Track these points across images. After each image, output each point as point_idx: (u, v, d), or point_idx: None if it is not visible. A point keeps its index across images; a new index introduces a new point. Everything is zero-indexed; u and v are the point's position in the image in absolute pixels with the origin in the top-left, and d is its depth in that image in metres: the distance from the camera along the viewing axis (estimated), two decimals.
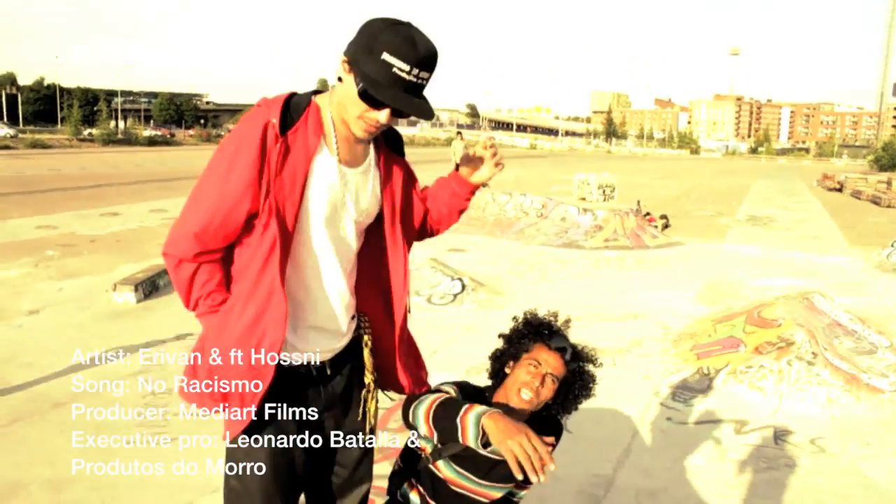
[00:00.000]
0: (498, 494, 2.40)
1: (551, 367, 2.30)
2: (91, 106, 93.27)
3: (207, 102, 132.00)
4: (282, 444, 2.11)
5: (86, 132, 67.89)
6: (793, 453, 4.71)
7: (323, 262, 2.07)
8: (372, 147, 2.15)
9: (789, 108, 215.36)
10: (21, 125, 78.19)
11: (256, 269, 1.98)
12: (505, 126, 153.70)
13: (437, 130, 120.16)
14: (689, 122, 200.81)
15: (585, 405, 5.47)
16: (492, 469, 2.34)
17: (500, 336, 2.51)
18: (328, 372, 2.16)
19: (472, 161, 2.31)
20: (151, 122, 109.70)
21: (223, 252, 2.04)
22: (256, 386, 2.00)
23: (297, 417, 2.11)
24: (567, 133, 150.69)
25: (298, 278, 2.05)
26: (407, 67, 1.86)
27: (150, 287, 8.33)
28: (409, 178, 2.30)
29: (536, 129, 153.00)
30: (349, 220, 2.08)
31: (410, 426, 2.21)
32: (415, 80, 1.88)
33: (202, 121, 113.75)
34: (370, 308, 2.25)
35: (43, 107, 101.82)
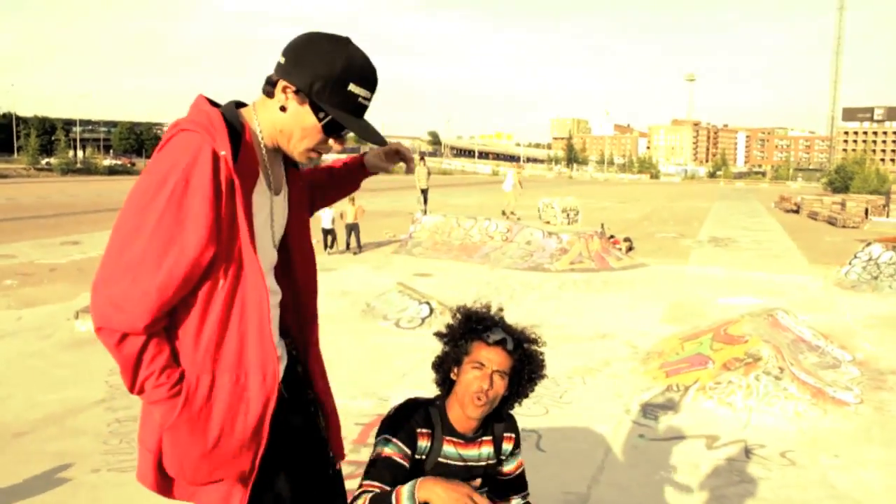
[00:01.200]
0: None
1: (496, 364, 2.22)
2: (49, 135, 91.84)
3: None
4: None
5: (44, 161, 67.03)
6: (764, 466, 4.75)
7: (269, 291, 1.89)
8: (284, 169, 2.06)
9: (745, 133, 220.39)
10: None
11: (236, 329, 1.80)
12: (467, 153, 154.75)
13: None
14: (648, 148, 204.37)
15: (558, 424, 5.48)
16: (470, 478, 2.32)
17: (436, 335, 2.42)
18: (285, 395, 1.98)
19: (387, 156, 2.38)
20: (111, 151, 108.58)
21: (166, 321, 1.76)
22: (252, 453, 1.86)
23: (278, 451, 1.96)
24: (528, 159, 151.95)
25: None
26: (368, 94, 1.85)
27: None
28: (304, 187, 2.20)
29: (498, 156, 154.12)
30: (272, 246, 2.00)
31: None
32: (368, 103, 1.88)
33: None
34: (293, 324, 2.14)
35: None
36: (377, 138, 1.91)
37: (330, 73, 1.78)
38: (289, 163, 2.06)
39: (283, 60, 1.82)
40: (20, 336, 7.69)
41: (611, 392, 6.19)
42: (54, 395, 5.82)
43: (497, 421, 2.38)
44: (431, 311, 8.77)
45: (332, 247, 15.19)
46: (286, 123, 1.84)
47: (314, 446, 2.12)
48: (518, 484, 2.45)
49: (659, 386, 6.21)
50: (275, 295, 1.99)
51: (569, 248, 13.91)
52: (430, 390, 2.49)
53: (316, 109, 1.81)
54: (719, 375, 6.03)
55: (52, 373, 6.41)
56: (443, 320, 8.48)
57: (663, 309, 9.76)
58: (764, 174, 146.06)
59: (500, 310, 2.38)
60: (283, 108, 1.82)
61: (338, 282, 11.25)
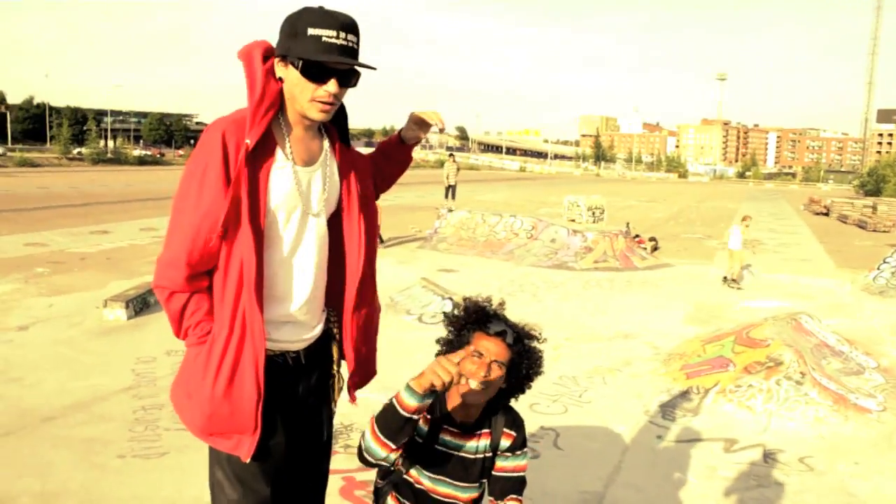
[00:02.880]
0: (475, 494, 2.44)
1: (494, 354, 2.29)
2: (80, 125, 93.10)
3: (197, 123, 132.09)
4: (276, 447, 2.21)
5: (75, 151, 67.85)
6: (781, 472, 4.74)
7: (294, 261, 2.17)
8: (326, 141, 2.27)
9: (776, 134, 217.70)
10: (10, 143, 78.03)
11: (232, 290, 2.06)
12: (494, 149, 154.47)
13: (427, 153, 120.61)
14: (676, 146, 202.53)
15: (576, 423, 5.52)
16: (465, 471, 2.38)
17: (438, 343, 2.51)
18: (303, 361, 2.26)
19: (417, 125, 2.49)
20: (141, 141, 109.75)
21: (209, 280, 2.12)
22: (254, 404, 2.09)
23: (281, 414, 2.20)
24: (556, 156, 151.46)
25: (273, 278, 2.14)
26: (333, 33, 2.00)
27: (140, 304, 8.31)
28: (365, 168, 2.43)
29: (526, 152, 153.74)
30: (311, 217, 2.19)
31: (369, 462, 2.22)
32: (345, 43, 2.02)
33: (192, 141, 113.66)
34: (336, 301, 2.35)
35: (32, 125, 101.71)
36: (351, 62, 2.04)
37: (292, 30, 2.02)
38: (335, 138, 2.30)
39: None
40: (51, 323, 7.85)
41: (630, 392, 6.20)
42: (83, 381, 5.95)
43: (499, 415, 2.43)
44: (455, 306, 8.80)
45: None
46: (288, 90, 2.09)
47: (314, 413, 2.36)
48: (511, 485, 2.44)
49: (679, 387, 6.21)
50: (300, 254, 2.18)
51: (593, 246, 13.89)
52: None
53: (292, 63, 2.03)
54: (740, 379, 6.02)
55: (80, 360, 6.55)
56: None
57: (686, 310, 9.73)
58: (794, 175, 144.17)
59: (502, 304, 2.46)
60: (281, 80, 2.08)
61: None
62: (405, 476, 2.40)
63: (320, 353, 2.34)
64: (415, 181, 48.93)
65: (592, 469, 4.64)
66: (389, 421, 2.13)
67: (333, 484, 4.12)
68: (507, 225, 15.53)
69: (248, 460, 2.12)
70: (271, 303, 2.14)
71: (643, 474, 4.64)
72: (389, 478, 2.46)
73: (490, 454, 2.41)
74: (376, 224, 2.42)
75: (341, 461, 4.45)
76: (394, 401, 2.12)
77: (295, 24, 2.02)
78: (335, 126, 2.31)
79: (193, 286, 2.09)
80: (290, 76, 2.05)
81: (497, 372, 2.29)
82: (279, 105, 2.13)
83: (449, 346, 2.43)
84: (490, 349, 2.29)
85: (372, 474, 2.56)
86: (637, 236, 16.08)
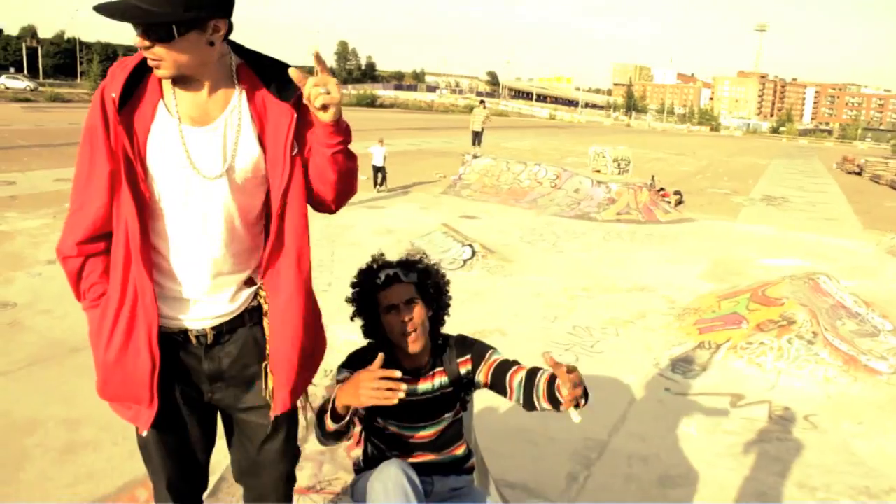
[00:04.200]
0: (442, 426, 2.54)
1: (403, 297, 2.41)
2: (110, 61, 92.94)
3: None
4: (176, 426, 2.13)
5: None
6: (785, 428, 4.82)
7: (185, 230, 1.97)
8: (237, 96, 1.98)
9: (814, 88, 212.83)
10: (41, 78, 78.42)
11: (120, 257, 1.95)
12: (525, 95, 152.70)
13: (457, 97, 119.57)
14: (711, 99, 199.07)
15: (586, 372, 5.62)
16: (426, 411, 2.50)
17: (352, 317, 2.57)
18: (209, 342, 2.07)
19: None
20: None
21: (105, 245, 2.02)
22: (147, 374, 1.99)
23: (182, 392, 2.10)
24: (587, 105, 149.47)
25: (163, 250, 1.99)
26: None
27: None
28: (300, 126, 1.99)
29: (556, 100, 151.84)
30: (203, 182, 1.94)
31: (326, 444, 2.40)
32: None
33: None
34: (272, 275, 2.07)
35: (63, 60, 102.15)
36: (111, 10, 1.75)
37: None
38: (256, 89, 1.99)
39: None
40: None
41: (642, 345, 6.28)
42: None
43: (448, 349, 2.53)
44: (474, 253, 8.91)
45: (381, 184, 15.31)
46: None
47: (234, 406, 2.19)
48: (505, 368, 2.44)
49: (691, 342, 6.28)
50: (192, 223, 1.97)
51: (617, 198, 13.84)
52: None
53: None
54: (752, 336, 6.06)
55: None
56: (484, 263, 8.64)
57: (705, 265, 9.73)
58: (830, 132, 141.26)
59: (381, 253, 2.55)
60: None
61: (384, 219, 11.45)
62: (374, 424, 2.52)
63: (238, 332, 2.11)
64: (443, 126, 48.69)
65: (598, 417, 4.75)
66: (325, 430, 2.30)
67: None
68: (532, 173, 15.49)
69: (144, 433, 2.08)
70: (162, 276, 1.99)
71: (648, 425, 4.74)
72: (365, 426, 2.58)
73: (450, 388, 2.51)
74: (303, 197, 2.04)
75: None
76: (326, 417, 2.26)
77: None
78: (261, 74, 2.00)
79: (86, 251, 2.01)
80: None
81: (417, 310, 2.41)
82: None
83: (369, 325, 2.53)
84: (397, 294, 2.41)
85: None
86: (661, 189, 15.98)
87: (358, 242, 9.60)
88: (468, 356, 2.53)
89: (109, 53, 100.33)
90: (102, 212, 1.95)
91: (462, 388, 2.54)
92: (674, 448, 4.44)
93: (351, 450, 3.92)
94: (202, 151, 1.93)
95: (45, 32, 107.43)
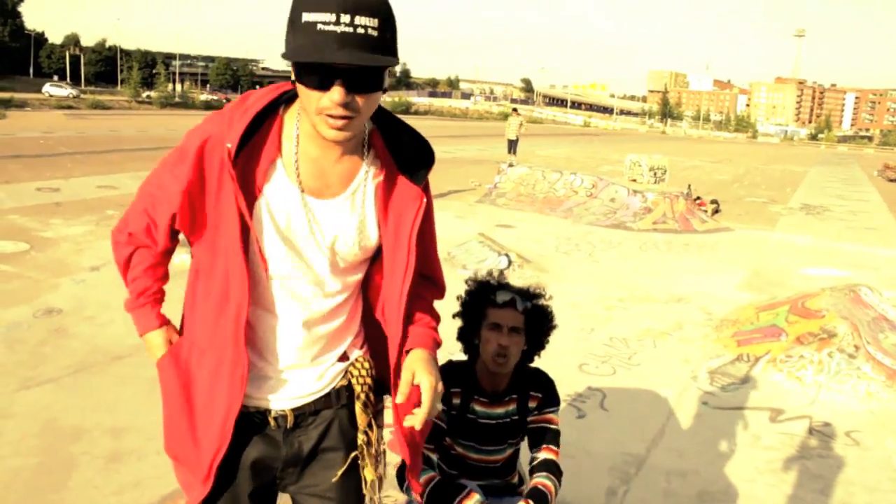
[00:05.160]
0: (505, 455, 2.61)
1: (510, 322, 2.47)
2: (150, 68, 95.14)
3: (263, 68, 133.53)
4: None
5: (144, 94, 69.30)
6: (826, 444, 4.76)
7: (286, 305, 1.77)
8: (365, 170, 1.75)
9: (854, 94, 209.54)
10: (83, 85, 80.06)
11: (209, 317, 1.75)
12: (559, 102, 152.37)
13: (491, 104, 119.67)
14: (747, 105, 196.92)
15: (624, 385, 5.61)
16: (494, 436, 2.55)
17: (455, 316, 2.66)
18: (289, 424, 1.84)
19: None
20: (208, 86, 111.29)
21: (158, 242, 1.84)
22: (211, 454, 1.78)
23: (246, 475, 1.84)
24: (622, 112, 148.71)
25: (258, 322, 1.77)
26: (331, 17, 1.43)
27: None
28: (422, 215, 1.79)
29: (591, 107, 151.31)
30: (320, 257, 1.75)
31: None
32: (350, 29, 1.44)
33: (257, 86, 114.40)
34: (372, 349, 1.96)
35: (104, 68, 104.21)
36: (338, 58, 1.44)
37: (290, 17, 1.50)
38: (386, 165, 1.77)
39: None
40: None
41: (680, 357, 6.24)
42: None
43: (526, 379, 2.59)
44: (510, 263, 8.92)
45: None
46: (301, 101, 1.61)
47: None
48: (544, 435, 2.57)
49: (729, 354, 6.23)
50: (295, 298, 1.78)
51: (653, 207, 13.75)
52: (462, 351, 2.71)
53: (297, 78, 1.54)
54: (791, 349, 6.00)
55: None
56: (521, 273, 8.64)
57: (743, 276, 9.64)
58: (871, 139, 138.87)
59: (502, 272, 2.62)
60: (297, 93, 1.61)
61: None
62: (442, 443, 2.57)
63: (324, 412, 1.88)
64: (478, 133, 48.80)
65: (636, 431, 4.73)
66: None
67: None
68: (567, 182, 15.45)
69: None
70: (252, 351, 1.76)
71: (686, 439, 4.71)
72: (430, 443, 2.62)
73: (517, 417, 2.56)
74: (439, 282, 2.02)
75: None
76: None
77: (293, 9, 1.49)
78: (392, 150, 1.76)
79: (139, 242, 1.85)
80: (300, 90, 1.57)
81: (516, 339, 2.45)
82: (284, 102, 1.71)
83: (467, 330, 2.61)
84: (504, 318, 2.49)
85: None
86: (698, 198, 15.85)
87: None
88: (540, 394, 2.59)
89: (148, 60, 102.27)
90: (167, 212, 1.76)
91: (526, 419, 2.60)
92: (712, 463, 4.41)
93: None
94: (319, 226, 1.72)
95: (88, 40, 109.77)
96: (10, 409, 4.52)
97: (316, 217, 1.71)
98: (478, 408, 2.55)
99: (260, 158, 1.66)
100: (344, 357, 1.90)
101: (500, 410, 2.56)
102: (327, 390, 1.87)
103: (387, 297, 1.85)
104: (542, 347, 2.64)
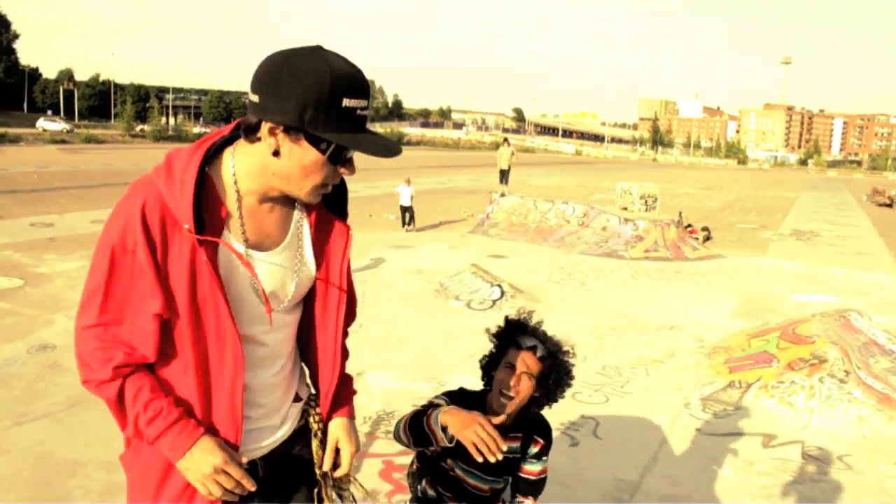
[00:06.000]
0: (500, 486, 2.66)
1: (526, 366, 2.49)
2: (143, 102, 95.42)
3: None
4: None
5: (138, 128, 69.43)
6: (819, 469, 4.80)
7: (252, 363, 1.77)
8: (297, 215, 1.83)
9: (842, 119, 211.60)
10: (76, 120, 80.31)
11: (194, 397, 1.72)
12: (551, 131, 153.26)
13: (483, 134, 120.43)
14: (737, 132, 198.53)
15: (617, 412, 5.64)
16: (495, 467, 2.59)
17: (488, 332, 2.70)
18: (260, 473, 1.85)
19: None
20: (201, 119, 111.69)
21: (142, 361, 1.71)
22: None
23: None
24: (613, 139, 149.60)
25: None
26: (364, 103, 1.60)
27: None
28: (346, 246, 1.91)
29: (582, 135, 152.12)
30: (273, 303, 1.79)
31: (400, 442, 2.49)
32: (367, 113, 1.63)
33: None
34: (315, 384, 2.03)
35: (97, 102, 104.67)
36: (387, 145, 1.64)
37: (319, 95, 1.54)
38: (312, 209, 1.85)
39: (257, 98, 1.59)
40: None
41: (672, 384, 6.28)
42: None
43: (531, 423, 2.64)
44: (503, 293, 8.97)
45: (409, 224, 15.46)
46: (283, 167, 1.63)
47: None
48: (532, 487, 2.66)
49: (721, 381, 6.27)
50: (257, 351, 1.80)
51: (644, 235, 13.85)
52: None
53: (315, 141, 1.59)
54: (783, 375, 6.05)
55: None
56: (514, 303, 8.69)
57: (735, 302, 9.70)
58: (860, 163, 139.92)
59: (540, 322, 2.65)
60: (276, 153, 1.62)
61: (413, 260, 11.54)
62: (441, 463, 2.60)
63: (285, 459, 1.94)
64: (469, 163, 49.04)
65: (630, 458, 4.76)
66: (418, 433, 2.37)
67: (374, 466, 4.37)
68: (559, 212, 15.55)
69: None
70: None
71: (680, 466, 4.74)
72: (425, 462, 2.66)
73: (518, 456, 2.61)
74: (354, 311, 2.05)
75: (382, 446, 4.68)
76: (426, 421, 2.35)
77: (331, 87, 1.54)
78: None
79: (123, 373, 1.68)
80: (296, 153, 1.61)
81: (527, 383, 2.50)
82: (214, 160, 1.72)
83: (490, 360, 2.64)
84: (523, 360, 2.52)
85: (409, 458, 2.75)
86: (689, 226, 15.97)
87: (388, 283, 9.70)
88: (542, 440, 2.64)
89: (142, 94, 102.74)
90: (145, 332, 1.67)
91: (524, 461, 2.65)
92: (706, 489, 4.43)
93: (392, 496, 4.00)
94: (268, 276, 1.76)
95: (82, 75, 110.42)
96: (5, 444, 4.54)
97: (263, 269, 1.74)
98: None
99: (207, 226, 1.65)
100: (297, 398, 1.97)
101: (504, 444, 2.61)
102: (290, 433, 1.93)
103: (321, 329, 1.92)
104: (555, 401, 2.68)
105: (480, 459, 2.21)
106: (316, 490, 1.96)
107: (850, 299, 9.93)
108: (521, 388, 2.50)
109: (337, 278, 1.89)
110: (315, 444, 1.96)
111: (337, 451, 1.95)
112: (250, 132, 1.64)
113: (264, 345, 1.80)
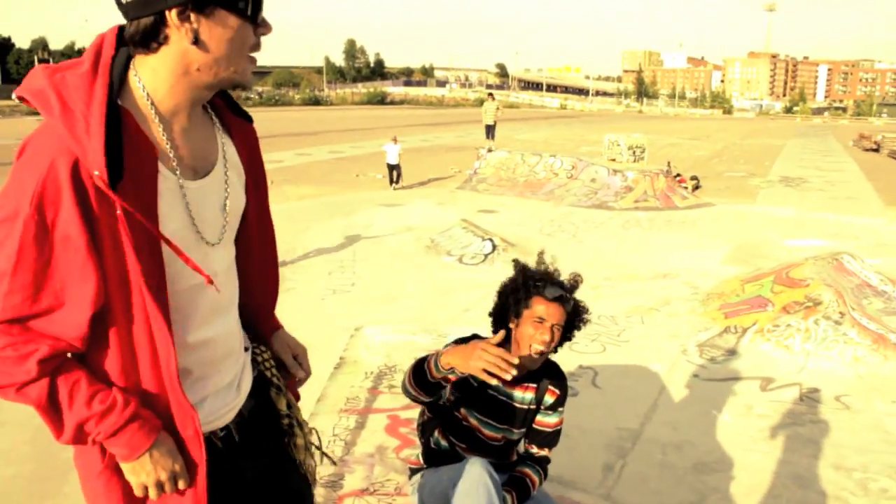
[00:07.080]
0: (515, 437, 2.61)
1: (555, 319, 2.46)
2: None
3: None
4: None
5: None
6: (817, 410, 4.81)
7: (207, 311, 1.56)
8: (217, 125, 1.61)
9: (826, 66, 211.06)
10: None
11: (147, 363, 1.45)
12: (535, 86, 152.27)
13: (467, 91, 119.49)
14: (722, 81, 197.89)
15: (614, 361, 5.63)
16: (511, 417, 2.54)
17: (498, 293, 2.63)
18: (236, 438, 1.68)
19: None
20: None
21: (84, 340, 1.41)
22: None
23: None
24: (597, 93, 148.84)
25: (189, 351, 1.53)
26: None
27: None
28: (259, 148, 1.75)
29: (566, 90, 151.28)
30: (209, 246, 1.54)
31: (410, 397, 2.44)
32: None
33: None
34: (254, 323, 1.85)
35: None
36: None
37: None
38: (224, 112, 1.64)
39: None
40: None
41: (668, 332, 6.27)
42: None
43: (545, 372, 2.58)
44: (494, 247, 8.92)
45: (397, 182, 15.34)
46: (209, 54, 1.39)
47: (279, 486, 1.82)
48: (548, 439, 2.64)
49: (717, 327, 6.27)
50: (209, 298, 1.56)
51: (634, 186, 13.80)
52: (489, 326, 2.68)
53: (230, 4, 1.37)
54: (778, 318, 6.05)
55: None
56: (505, 257, 8.64)
57: (727, 250, 9.70)
58: (845, 110, 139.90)
59: (556, 270, 2.58)
60: (195, 42, 1.37)
61: (402, 217, 11.47)
62: (455, 413, 2.55)
63: (257, 414, 1.76)
64: (455, 120, 48.68)
65: (629, 407, 4.76)
66: (421, 378, 2.31)
67: (379, 422, 4.32)
68: (547, 165, 15.47)
69: None
70: (185, 376, 1.53)
71: (679, 412, 4.74)
72: (437, 412, 2.61)
73: (534, 407, 2.56)
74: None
75: (386, 400, 4.64)
76: (427, 365, 2.31)
77: None
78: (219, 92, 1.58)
79: (51, 366, 1.37)
80: (219, 30, 1.38)
81: (557, 334, 2.45)
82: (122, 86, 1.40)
83: (504, 310, 2.57)
84: (551, 313, 2.45)
85: (415, 413, 2.71)
86: (678, 175, 15.92)
87: (378, 241, 9.63)
88: (557, 391, 2.60)
89: None
90: (76, 322, 1.38)
91: (538, 409, 2.60)
92: (707, 434, 4.44)
93: (400, 451, 3.95)
94: (209, 204, 1.53)
95: (56, 44, 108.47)
96: (0, 417, 4.48)
97: (202, 200, 1.51)
98: (500, 384, 2.54)
99: (137, 162, 1.37)
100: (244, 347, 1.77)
101: (518, 393, 2.56)
102: (250, 387, 1.74)
103: (259, 238, 1.75)
104: (570, 340, 2.64)
105: (495, 382, 2.17)
106: (286, 440, 1.84)
107: (841, 243, 9.94)
108: (553, 340, 2.45)
109: (262, 183, 1.72)
110: (273, 392, 1.81)
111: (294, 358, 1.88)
112: (149, 39, 1.35)
113: (216, 290, 1.54)
